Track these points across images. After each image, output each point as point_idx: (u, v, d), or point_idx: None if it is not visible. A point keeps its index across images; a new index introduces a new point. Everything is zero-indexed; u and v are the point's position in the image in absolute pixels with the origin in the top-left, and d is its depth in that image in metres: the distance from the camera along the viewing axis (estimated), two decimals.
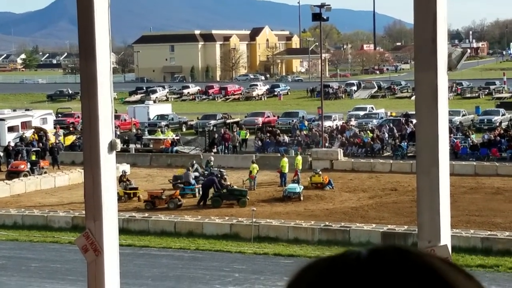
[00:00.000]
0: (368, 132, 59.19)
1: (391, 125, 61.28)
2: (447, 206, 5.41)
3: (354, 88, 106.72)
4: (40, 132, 60.87)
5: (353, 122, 66.38)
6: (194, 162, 47.01)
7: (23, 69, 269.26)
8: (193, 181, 41.81)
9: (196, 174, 43.89)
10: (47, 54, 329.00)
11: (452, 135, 52.89)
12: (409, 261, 1.48)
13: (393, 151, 54.48)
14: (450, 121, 53.66)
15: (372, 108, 76.51)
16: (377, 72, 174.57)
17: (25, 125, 62.70)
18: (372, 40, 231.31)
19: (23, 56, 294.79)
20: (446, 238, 5.37)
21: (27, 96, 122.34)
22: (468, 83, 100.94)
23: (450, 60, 5.60)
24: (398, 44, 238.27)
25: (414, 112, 6.42)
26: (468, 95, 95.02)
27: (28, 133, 60.77)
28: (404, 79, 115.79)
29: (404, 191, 41.35)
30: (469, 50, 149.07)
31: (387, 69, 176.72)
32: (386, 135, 58.16)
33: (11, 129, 61.25)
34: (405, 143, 54.33)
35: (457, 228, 29.94)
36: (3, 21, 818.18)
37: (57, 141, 58.60)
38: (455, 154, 50.11)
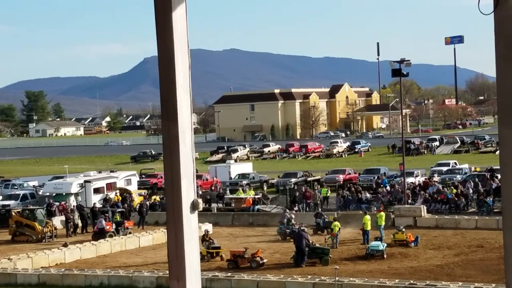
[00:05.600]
0: (452, 188, 58.15)
1: (476, 180, 60.01)
2: None
3: (436, 143, 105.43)
4: (124, 193, 61.79)
5: (436, 178, 65.35)
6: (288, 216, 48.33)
7: (108, 131, 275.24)
8: None
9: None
10: (131, 116, 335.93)
11: None
12: None
13: (478, 207, 53.36)
14: None
15: (455, 163, 75.27)
16: (460, 126, 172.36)
17: (110, 186, 63.76)
18: (454, 94, 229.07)
19: (108, 118, 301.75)
20: None
21: (112, 158, 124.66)
22: None
23: None
24: (481, 98, 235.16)
25: (499, 167, 6.23)
26: None
27: (112, 195, 61.74)
28: (488, 133, 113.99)
29: (491, 248, 40.35)
30: None
31: (470, 123, 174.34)
32: (471, 190, 57.06)
33: (96, 190, 62.34)
34: (491, 199, 53.20)
35: None
36: (89, 85, 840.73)
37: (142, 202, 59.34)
38: None
